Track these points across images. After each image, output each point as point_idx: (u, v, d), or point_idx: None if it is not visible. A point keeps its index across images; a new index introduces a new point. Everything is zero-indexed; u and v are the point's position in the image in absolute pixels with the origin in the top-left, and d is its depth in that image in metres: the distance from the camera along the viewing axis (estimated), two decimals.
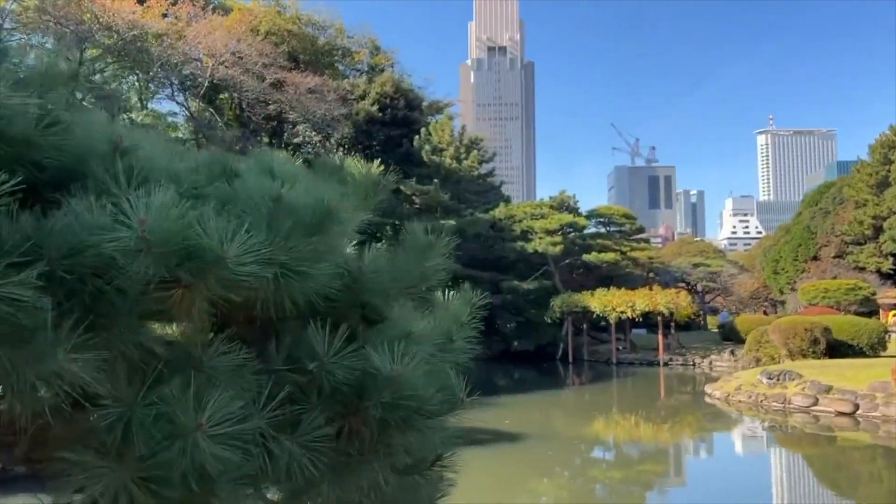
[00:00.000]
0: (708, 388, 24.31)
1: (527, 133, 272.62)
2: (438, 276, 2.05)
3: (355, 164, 2.09)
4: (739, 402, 21.96)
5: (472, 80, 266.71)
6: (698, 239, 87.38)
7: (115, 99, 28.66)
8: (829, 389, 19.93)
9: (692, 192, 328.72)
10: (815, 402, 19.88)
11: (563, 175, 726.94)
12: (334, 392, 1.59)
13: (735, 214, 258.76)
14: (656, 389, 29.58)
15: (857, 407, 18.78)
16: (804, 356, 25.43)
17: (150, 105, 33.47)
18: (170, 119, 34.25)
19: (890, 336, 29.06)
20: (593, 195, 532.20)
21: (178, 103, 32.12)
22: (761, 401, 21.26)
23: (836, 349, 26.69)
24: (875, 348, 26.89)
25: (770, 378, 22.11)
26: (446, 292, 2.45)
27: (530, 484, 13.13)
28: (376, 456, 1.70)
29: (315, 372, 1.55)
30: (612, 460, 16.78)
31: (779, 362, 26.03)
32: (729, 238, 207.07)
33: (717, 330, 44.04)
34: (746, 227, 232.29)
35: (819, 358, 25.19)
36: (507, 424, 18.14)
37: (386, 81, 37.79)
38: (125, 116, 29.01)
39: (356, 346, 1.56)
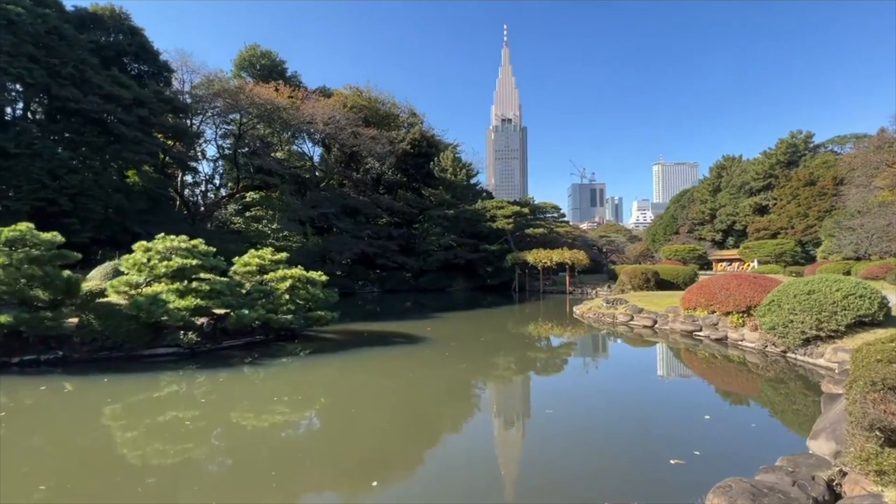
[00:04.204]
0: (575, 309, 27.06)
1: (522, 166, 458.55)
2: None
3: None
4: (589, 317, 24.44)
5: (492, 138, 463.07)
6: (616, 223, 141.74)
7: (269, 143, 48.36)
8: (640, 311, 22.15)
9: (616, 198, 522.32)
10: (632, 319, 21.78)
11: (544, 188, 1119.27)
12: None
13: (639, 209, 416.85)
14: (555, 308, 32.43)
15: (655, 321, 20.62)
16: (641, 289, 31.97)
17: (288, 148, 52.83)
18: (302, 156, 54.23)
19: (699, 277, 34.44)
20: (559, 199, 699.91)
21: (298, 149, 52.50)
22: (601, 316, 23.51)
23: (665, 285, 33.26)
24: (688, 284, 31.35)
25: (608, 303, 24.83)
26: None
27: (394, 370, 13.49)
28: None
29: None
30: (486, 349, 17.19)
31: (629, 292, 30.25)
32: (635, 223, 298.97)
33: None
34: (645, 215, 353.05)
35: (651, 290, 31.13)
36: (428, 331, 18.22)
37: (416, 132, 54.88)
38: (273, 155, 48.61)
39: None
